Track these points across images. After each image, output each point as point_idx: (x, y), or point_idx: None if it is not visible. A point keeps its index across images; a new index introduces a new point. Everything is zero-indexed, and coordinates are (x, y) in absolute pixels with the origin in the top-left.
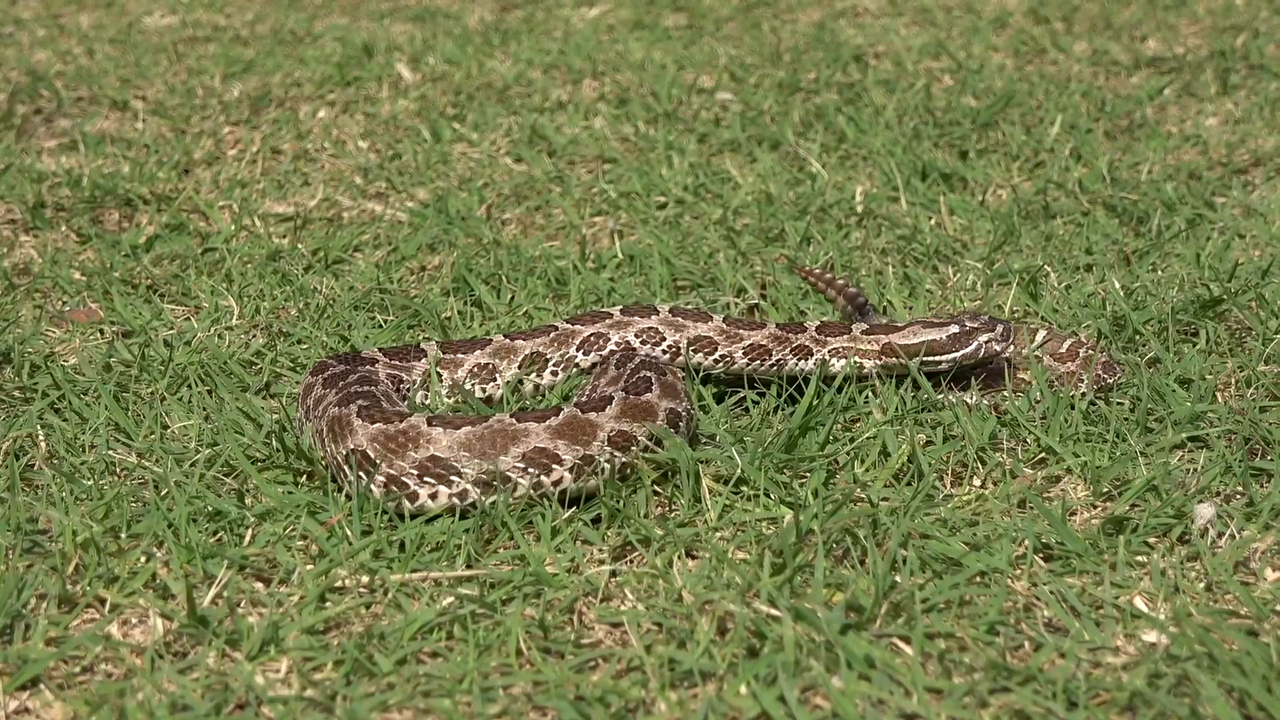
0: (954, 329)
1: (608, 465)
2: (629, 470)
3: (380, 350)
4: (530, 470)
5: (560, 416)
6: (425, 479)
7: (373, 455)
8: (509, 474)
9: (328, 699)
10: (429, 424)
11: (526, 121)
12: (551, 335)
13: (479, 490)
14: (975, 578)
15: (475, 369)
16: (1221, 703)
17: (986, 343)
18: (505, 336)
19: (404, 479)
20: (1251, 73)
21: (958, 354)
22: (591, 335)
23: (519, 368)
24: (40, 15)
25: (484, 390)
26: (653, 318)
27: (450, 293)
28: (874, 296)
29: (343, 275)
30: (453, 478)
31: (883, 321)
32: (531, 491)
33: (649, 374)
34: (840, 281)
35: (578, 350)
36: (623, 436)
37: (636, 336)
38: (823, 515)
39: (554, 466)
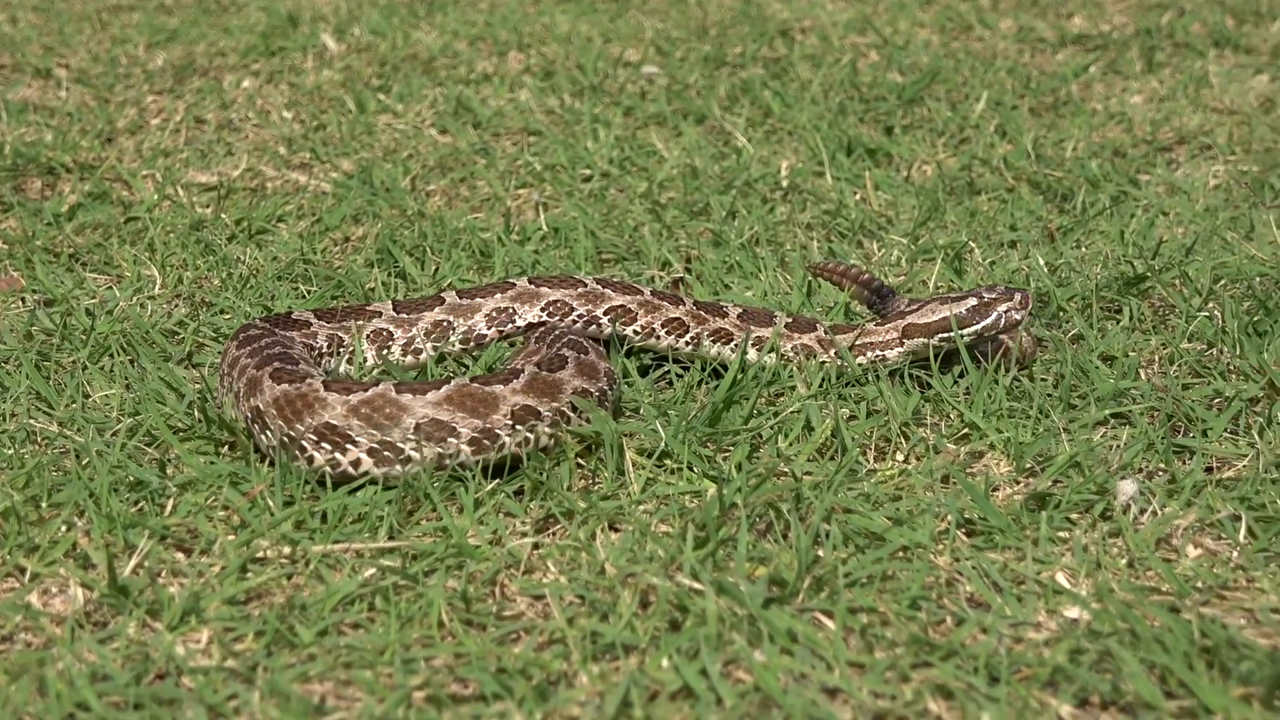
0: (973, 301)
1: (509, 440)
2: (547, 445)
3: (313, 312)
4: (428, 441)
5: (451, 386)
6: (321, 444)
7: (271, 417)
8: (401, 445)
9: (248, 670)
10: (326, 389)
11: (452, 93)
12: (509, 291)
13: (373, 460)
14: (898, 553)
15: (432, 327)
16: (1143, 679)
17: (1006, 312)
18: (457, 294)
19: (302, 443)
20: (1176, 50)
21: (979, 326)
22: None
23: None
24: None
25: (435, 350)
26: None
27: (374, 264)
28: (798, 272)
29: (266, 246)
30: (348, 445)
31: (902, 306)
32: (442, 462)
33: (569, 352)
34: (855, 271)
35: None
36: (527, 411)
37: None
38: (746, 489)
39: (449, 439)
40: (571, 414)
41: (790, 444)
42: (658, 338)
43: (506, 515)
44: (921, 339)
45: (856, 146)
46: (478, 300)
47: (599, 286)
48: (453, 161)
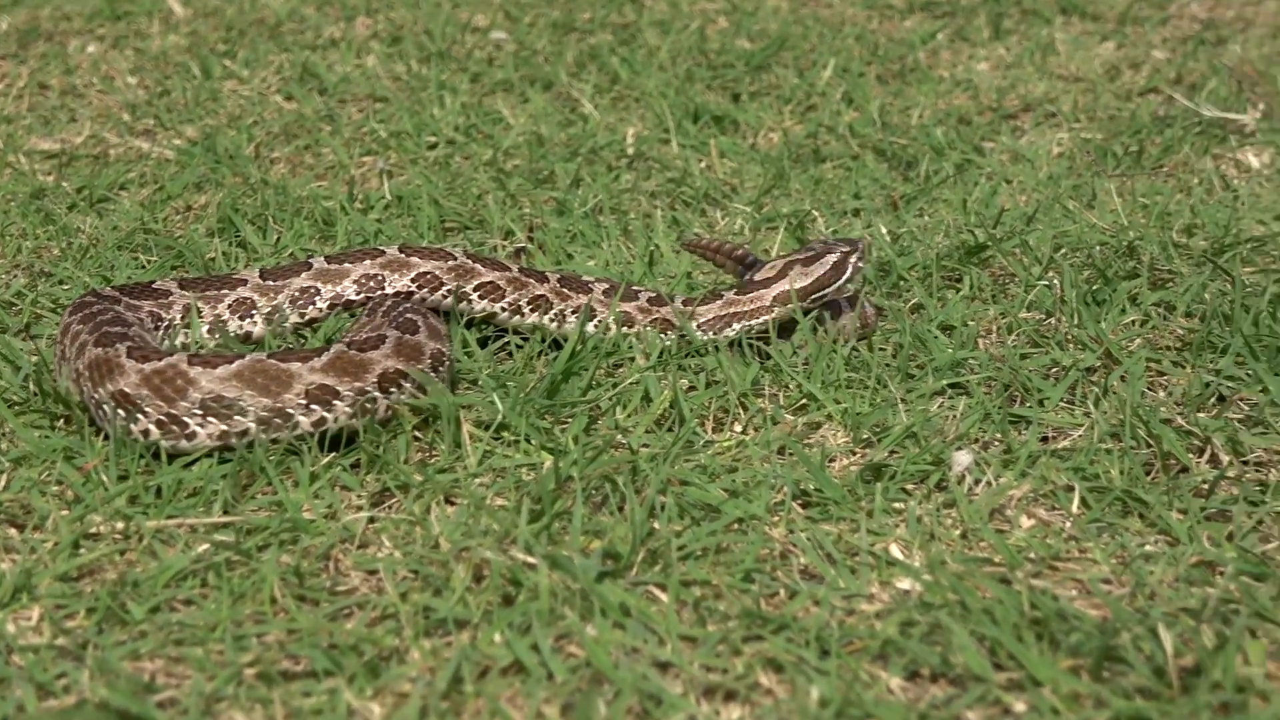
0: (830, 258)
1: (303, 420)
2: (391, 415)
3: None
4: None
5: (245, 361)
6: (119, 411)
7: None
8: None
9: (79, 647)
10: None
11: (298, 59)
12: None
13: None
14: (733, 525)
15: (298, 293)
16: (972, 651)
17: (856, 263)
18: (325, 260)
19: (104, 407)
20: (1024, 18)
21: (841, 281)
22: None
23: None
24: None
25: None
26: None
27: (215, 233)
28: (641, 240)
29: (107, 214)
30: (138, 415)
31: (755, 276)
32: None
33: (415, 316)
34: (728, 247)
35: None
36: (324, 391)
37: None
38: (582, 462)
39: (237, 417)
40: (380, 395)
41: (628, 416)
42: (523, 315)
43: (343, 489)
44: (797, 303)
45: (703, 114)
46: (347, 266)
47: (469, 261)
48: (298, 128)
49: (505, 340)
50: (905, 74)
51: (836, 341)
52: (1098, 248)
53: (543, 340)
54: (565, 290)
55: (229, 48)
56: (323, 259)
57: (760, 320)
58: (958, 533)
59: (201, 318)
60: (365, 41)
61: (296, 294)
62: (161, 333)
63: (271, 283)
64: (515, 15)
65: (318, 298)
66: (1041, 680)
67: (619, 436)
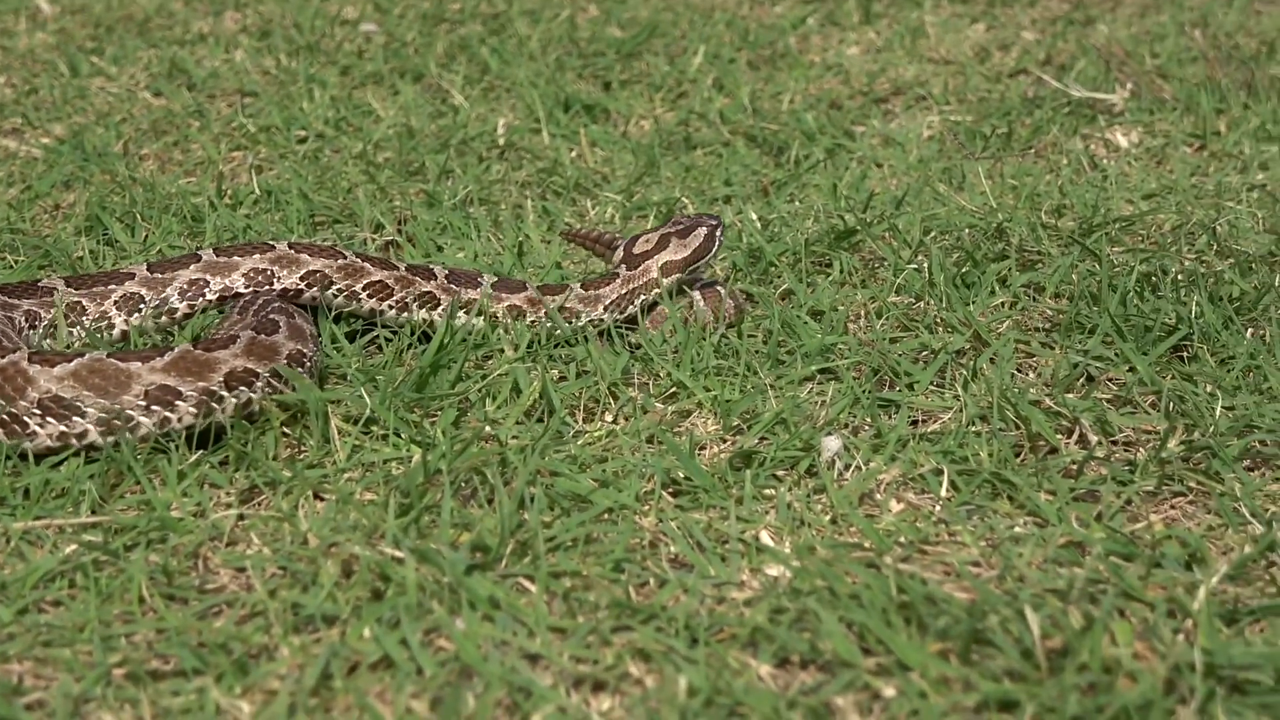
0: (702, 230)
1: (145, 421)
2: (258, 411)
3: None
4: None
5: (85, 360)
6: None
7: None
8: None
9: None
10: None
11: (166, 54)
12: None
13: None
14: (603, 515)
15: (186, 285)
16: (841, 636)
17: (719, 235)
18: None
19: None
20: (894, 1)
21: (712, 253)
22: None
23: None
24: None
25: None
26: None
27: (83, 231)
28: (511, 231)
29: None
30: (75, 418)
31: (618, 259)
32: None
33: (278, 317)
34: (606, 235)
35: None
36: (165, 391)
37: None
38: (451, 455)
39: (75, 418)
40: (227, 394)
41: (498, 407)
42: (411, 312)
43: (211, 486)
44: (676, 275)
45: (574, 103)
46: (235, 259)
47: (358, 260)
48: (167, 125)
49: (375, 334)
50: (776, 59)
51: (706, 327)
52: (967, 230)
53: (412, 334)
54: (453, 286)
55: (97, 45)
56: (211, 250)
57: (654, 292)
58: (827, 518)
59: (87, 315)
60: (234, 36)
61: (185, 287)
62: (41, 330)
63: (159, 275)
64: (384, 7)
65: (207, 290)
66: (910, 664)
67: (488, 429)
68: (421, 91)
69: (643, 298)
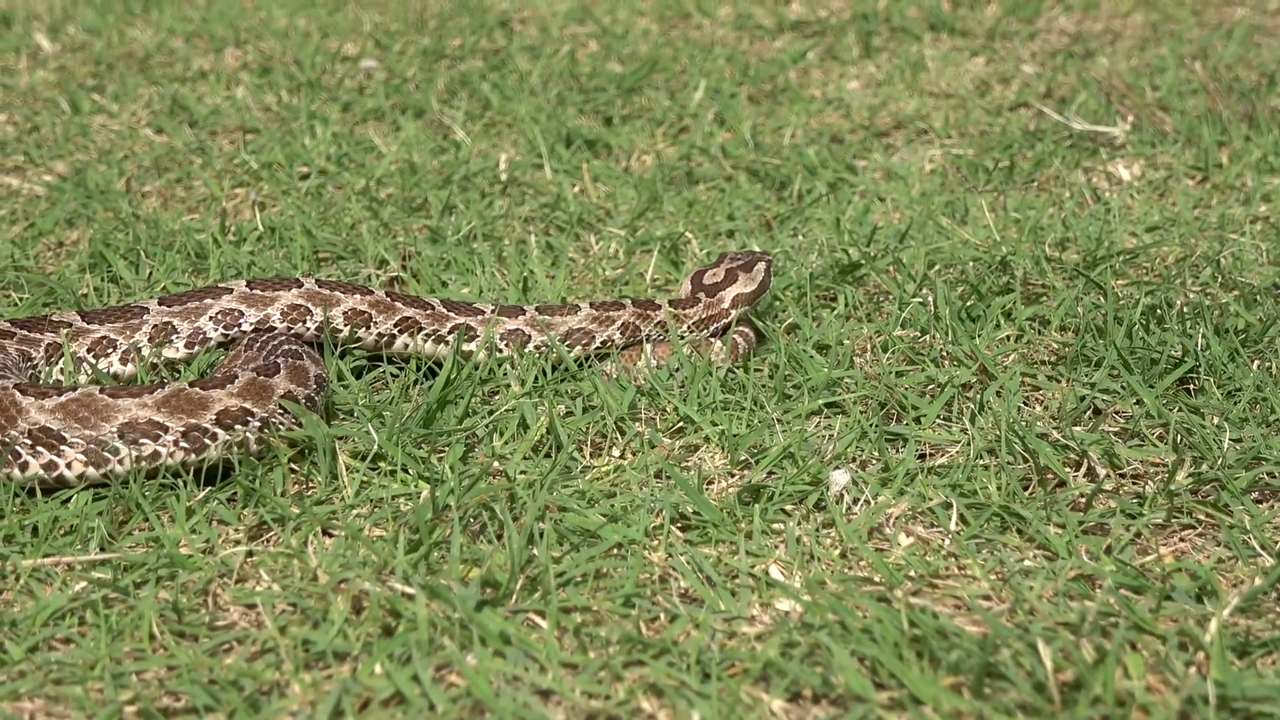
0: (762, 265)
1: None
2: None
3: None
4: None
5: (77, 393)
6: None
7: None
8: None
9: None
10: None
11: (168, 92)
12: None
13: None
14: (612, 550)
15: (220, 314)
16: (853, 671)
17: (770, 273)
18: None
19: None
20: (893, 35)
21: (770, 288)
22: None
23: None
24: None
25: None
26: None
27: (87, 269)
28: (515, 267)
29: None
30: (62, 448)
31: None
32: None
33: (280, 360)
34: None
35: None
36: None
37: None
38: (459, 490)
39: (62, 448)
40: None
41: (505, 442)
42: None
43: (219, 523)
44: (745, 307)
45: (576, 138)
46: (272, 293)
47: (388, 299)
48: (169, 161)
49: (381, 369)
50: (777, 94)
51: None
52: (971, 264)
53: (418, 369)
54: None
55: (98, 82)
56: (244, 283)
57: (724, 321)
58: (837, 552)
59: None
60: (235, 73)
61: (285, 310)
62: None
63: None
64: (385, 43)
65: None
66: (923, 699)
67: (496, 464)
68: (423, 127)
69: (718, 325)
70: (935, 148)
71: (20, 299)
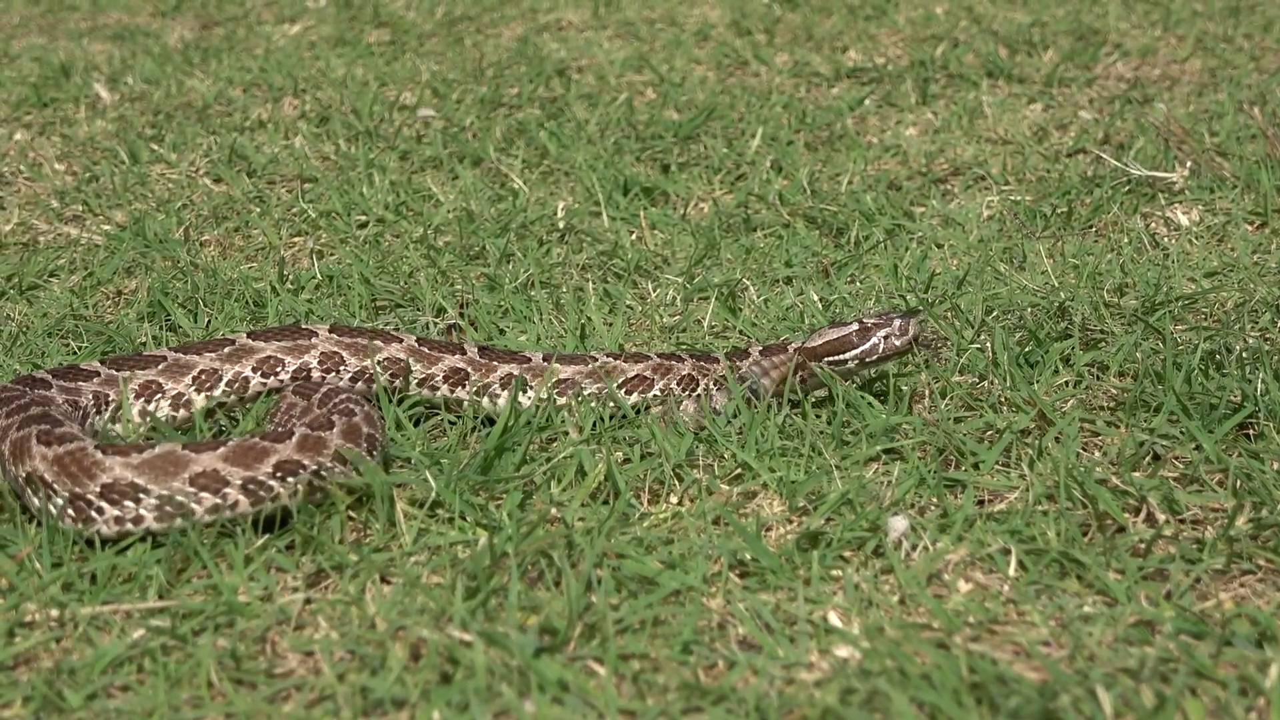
0: (855, 327)
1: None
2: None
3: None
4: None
5: (161, 448)
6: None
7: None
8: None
9: None
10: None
11: (226, 141)
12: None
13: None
14: (670, 597)
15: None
16: (912, 717)
17: (885, 338)
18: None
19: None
20: (950, 82)
21: (859, 350)
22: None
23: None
24: None
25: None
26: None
27: (145, 318)
28: (573, 315)
29: (37, 301)
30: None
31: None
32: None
33: (334, 416)
34: None
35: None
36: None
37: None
38: (517, 537)
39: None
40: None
41: (563, 489)
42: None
43: (278, 570)
44: (816, 360)
45: (633, 185)
46: (377, 342)
47: (477, 355)
48: (227, 210)
49: (439, 418)
50: (834, 141)
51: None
52: (1029, 309)
53: (475, 416)
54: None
55: (156, 131)
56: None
57: (782, 370)
58: (895, 598)
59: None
60: (293, 122)
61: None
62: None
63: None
64: (442, 92)
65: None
66: None
67: (554, 511)
68: (480, 176)
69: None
70: (993, 194)
71: (79, 348)
